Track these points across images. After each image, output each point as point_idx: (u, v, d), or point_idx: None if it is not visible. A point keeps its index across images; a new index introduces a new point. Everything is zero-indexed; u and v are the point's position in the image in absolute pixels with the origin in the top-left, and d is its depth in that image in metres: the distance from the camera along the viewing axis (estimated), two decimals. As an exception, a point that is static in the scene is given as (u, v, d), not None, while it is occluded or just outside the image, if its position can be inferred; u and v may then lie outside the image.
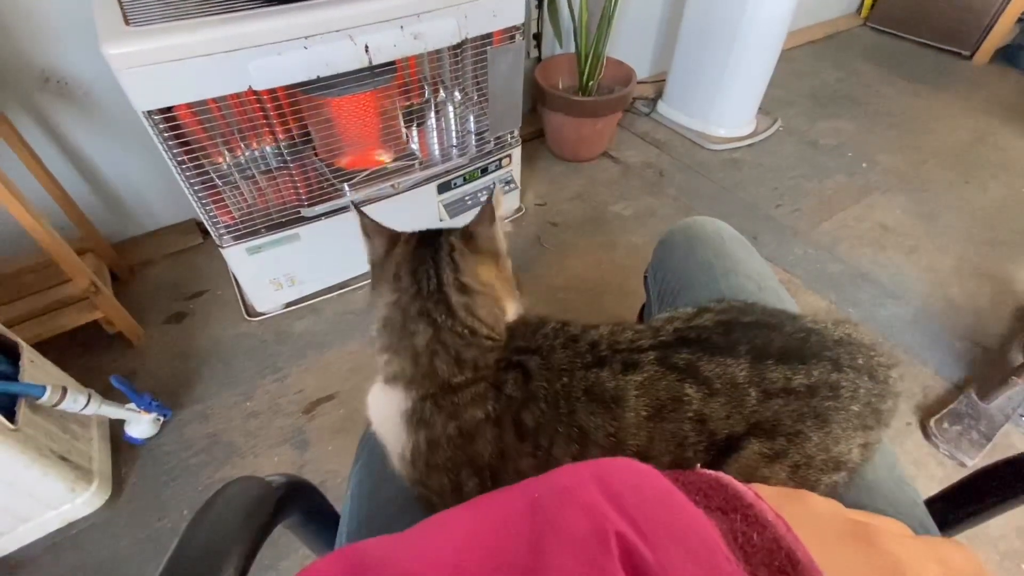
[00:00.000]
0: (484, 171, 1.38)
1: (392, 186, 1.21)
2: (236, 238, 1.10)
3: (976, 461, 1.04)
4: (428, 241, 0.46)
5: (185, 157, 0.94)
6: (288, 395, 1.14)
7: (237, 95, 0.92)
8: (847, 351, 0.39)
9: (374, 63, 0.97)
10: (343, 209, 1.19)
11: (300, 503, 0.43)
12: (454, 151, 1.32)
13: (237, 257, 1.13)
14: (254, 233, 1.12)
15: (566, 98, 1.64)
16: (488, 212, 0.47)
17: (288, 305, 1.31)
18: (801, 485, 0.36)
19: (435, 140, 1.30)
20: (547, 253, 1.47)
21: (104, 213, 1.33)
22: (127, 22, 0.82)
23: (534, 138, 1.85)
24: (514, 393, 0.40)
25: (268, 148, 1.08)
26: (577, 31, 1.59)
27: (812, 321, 0.42)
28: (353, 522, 0.47)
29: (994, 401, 1.09)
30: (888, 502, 0.43)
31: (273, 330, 1.26)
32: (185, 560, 0.31)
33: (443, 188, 1.31)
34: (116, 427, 1.05)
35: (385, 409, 0.43)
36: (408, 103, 1.21)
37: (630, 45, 1.98)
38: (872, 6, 2.70)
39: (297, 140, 1.09)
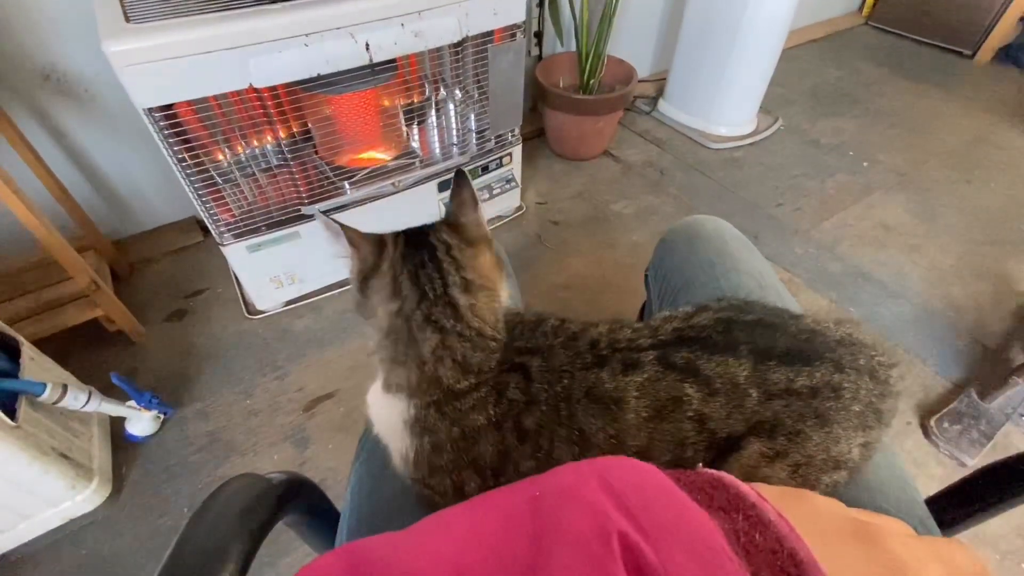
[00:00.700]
0: (485, 169, 1.38)
1: (392, 184, 1.21)
2: (236, 236, 1.10)
3: (976, 461, 1.03)
4: (418, 241, 0.44)
5: (186, 155, 0.94)
6: (288, 393, 1.14)
7: (238, 92, 0.91)
8: (849, 351, 0.39)
9: (375, 61, 0.97)
10: (344, 207, 1.19)
11: (300, 500, 0.43)
12: (455, 149, 1.32)
13: (237, 255, 1.13)
14: (254, 231, 1.12)
15: (567, 96, 1.64)
16: (470, 197, 0.46)
17: (288, 303, 1.31)
18: (802, 485, 0.36)
19: (436, 138, 1.30)
20: (548, 252, 1.47)
21: (104, 211, 1.33)
22: (128, 19, 0.82)
23: (535, 136, 1.85)
24: (515, 396, 0.39)
25: (269, 146, 1.08)
26: (578, 29, 1.59)
27: (814, 321, 0.42)
28: (353, 519, 0.47)
29: (994, 400, 1.09)
30: (889, 501, 0.43)
31: (273, 328, 1.26)
32: (186, 557, 0.31)
33: (444, 186, 1.31)
34: (117, 425, 1.05)
35: (387, 415, 0.42)
36: (409, 101, 1.21)
37: (631, 44, 1.97)
38: (874, 5, 2.69)
39: (298, 138, 1.09)
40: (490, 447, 0.39)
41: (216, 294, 1.34)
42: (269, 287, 1.24)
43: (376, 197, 1.21)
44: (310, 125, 1.10)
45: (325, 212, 0.42)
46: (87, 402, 0.91)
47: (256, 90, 0.91)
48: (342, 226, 0.42)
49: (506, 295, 0.46)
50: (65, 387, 0.87)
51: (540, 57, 1.78)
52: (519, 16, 1.12)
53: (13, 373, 0.86)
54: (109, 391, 0.97)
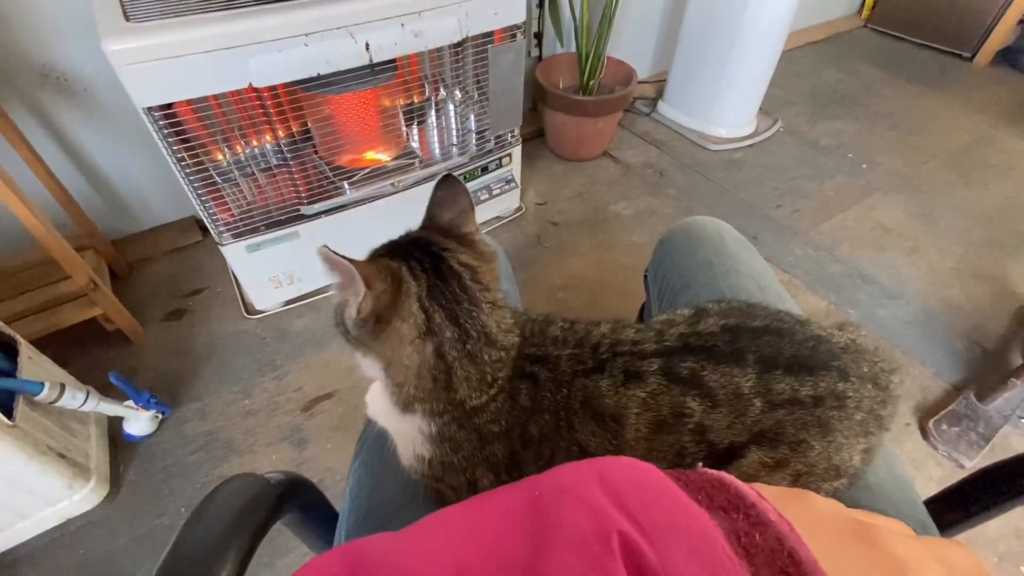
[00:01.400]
0: (484, 170, 1.38)
1: (392, 184, 1.21)
2: (236, 236, 1.10)
3: (974, 462, 1.04)
4: (439, 268, 0.39)
5: (185, 154, 0.94)
6: (287, 393, 1.14)
7: (237, 92, 0.91)
8: (853, 358, 0.39)
9: (375, 61, 0.97)
10: (343, 207, 1.18)
11: (299, 500, 0.43)
12: (454, 150, 1.32)
13: (236, 255, 1.13)
14: (254, 231, 1.11)
15: (567, 97, 1.64)
16: (468, 204, 0.43)
17: (287, 303, 1.30)
18: None
19: (435, 138, 1.30)
20: (547, 252, 1.47)
21: (103, 210, 1.33)
22: (127, 18, 0.82)
23: (534, 137, 1.85)
24: (525, 403, 0.39)
25: (268, 145, 1.08)
26: (578, 30, 1.59)
27: (819, 327, 0.42)
28: (352, 519, 0.47)
29: (993, 402, 1.09)
30: (888, 502, 0.43)
31: (272, 328, 1.26)
32: (183, 557, 0.31)
33: (443, 187, 1.31)
34: (114, 424, 1.05)
35: (402, 428, 0.41)
36: (408, 101, 1.21)
37: (631, 45, 1.97)
38: (873, 7, 2.70)
39: (297, 138, 1.09)
40: (501, 448, 0.39)
41: (215, 294, 1.34)
42: (268, 287, 1.24)
43: (376, 197, 1.21)
44: (310, 125, 1.10)
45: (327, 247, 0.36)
46: (85, 401, 0.91)
47: (256, 90, 0.91)
48: (355, 263, 0.35)
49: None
50: (63, 386, 0.87)
51: (540, 58, 1.78)
52: (519, 17, 1.12)
53: (11, 372, 0.86)
54: (107, 390, 0.97)
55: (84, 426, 0.99)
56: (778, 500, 0.21)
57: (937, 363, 1.23)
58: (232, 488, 0.36)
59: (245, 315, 1.28)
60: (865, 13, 2.74)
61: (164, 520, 0.95)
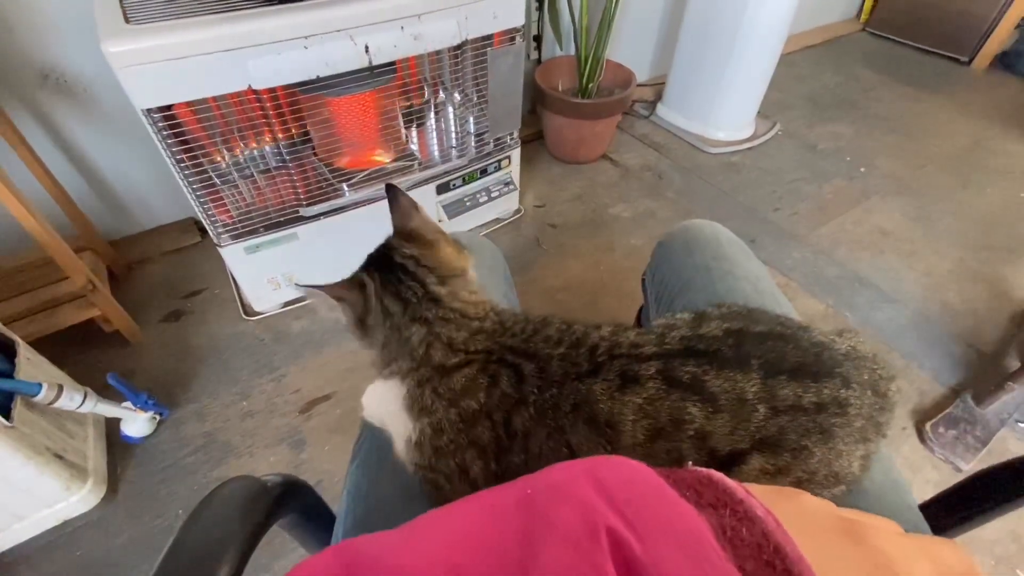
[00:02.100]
0: (483, 172, 1.38)
1: (391, 186, 1.21)
2: (234, 237, 1.10)
3: (971, 466, 1.04)
4: (390, 266, 0.47)
5: (184, 156, 0.94)
6: (285, 395, 1.14)
7: (237, 94, 0.92)
8: (854, 365, 0.39)
9: (374, 63, 0.97)
10: (342, 209, 1.19)
11: (296, 503, 0.43)
12: (453, 152, 1.32)
13: (235, 256, 1.13)
14: (252, 232, 1.11)
15: (566, 100, 1.64)
16: (408, 203, 0.49)
17: (286, 304, 1.30)
18: None
19: (434, 141, 1.30)
20: (546, 254, 1.47)
21: (102, 211, 1.33)
22: (127, 20, 0.82)
23: (533, 140, 1.85)
24: (507, 390, 0.39)
25: (267, 147, 1.08)
26: (577, 34, 1.60)
27: (820, 333, 0.41)
28: (349, 521, 0.47)
29: (990, 406, 1.09)
30: (882, 505, 0.43)
31: (270, 329, 1.26)
32: (180, 559, 0.31)
33: (442, 189, 1.32)
34: (112, 425, 1.05)
35: (386, 401, 0.44)
36: (408, 104, 1.21)
37: (630, 48, 1.98)
38: (871, 11, 2.71)
39: (296, 140, 1.09)
40: (486, 432, 0.39)
41: (213, 295, 1.34)
42: (266, 288, 1.24)
43: (374, 199, 1.21)
44: (309, 127, 1.11)
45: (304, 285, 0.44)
46: (83, 403, 0.91)
47: (255, 92, 0.92)
48: (323, 287, 0.44)
49: (470, 269, 0.49)
50: (61, 387, 0.87)
51: (539, 61, 1.78)
52: (518, 20, 1.12)
53: (9, 373, 0.86)
54: (105, 392, 0.97)
55: (82, 427, 0.98)
56: (767, 498, 0.22)
57: (934, 366, 1.23)
58: (229, 490, 0.36)
59: (243, 316, 1.28)
60: (864, 17, 2.75)
61: (161, 522, 0.95)
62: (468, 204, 1.39)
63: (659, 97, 2.02)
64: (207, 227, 1.07)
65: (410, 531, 0.21)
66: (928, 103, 2.18)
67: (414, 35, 0.98)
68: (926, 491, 0.52)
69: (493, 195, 1.44)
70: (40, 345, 0.97)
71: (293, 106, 1.02)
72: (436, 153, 1.32)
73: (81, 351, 1.17)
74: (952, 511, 0.51)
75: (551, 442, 0.37)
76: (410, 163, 1.26)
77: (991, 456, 1.05)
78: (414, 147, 1.30)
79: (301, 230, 1.16)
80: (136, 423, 1.03)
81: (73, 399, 0.89)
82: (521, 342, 0.42)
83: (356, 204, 1.20)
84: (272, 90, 0.95)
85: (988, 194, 1.73)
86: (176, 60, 0.82)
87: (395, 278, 0.45)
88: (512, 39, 1.16)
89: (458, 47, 1.08)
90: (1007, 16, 2.27)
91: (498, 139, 1.34)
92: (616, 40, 1.78)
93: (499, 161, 1.39)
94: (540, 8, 1.65)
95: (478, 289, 0.47)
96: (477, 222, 1.47)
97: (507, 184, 1.46)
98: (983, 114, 2.12)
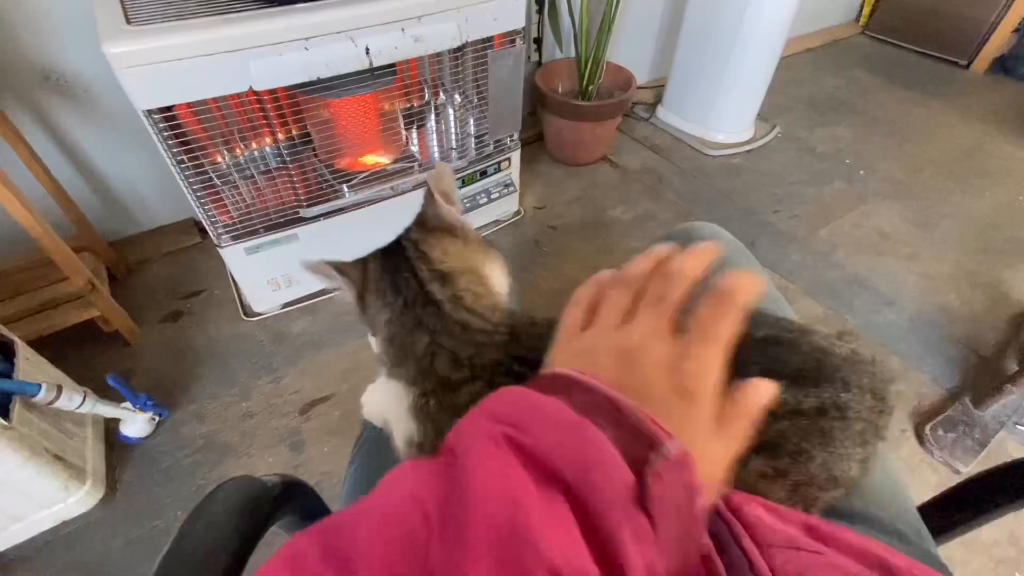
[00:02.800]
0: (483, 174, 1.38)
1: (391, 188, 1.22)
2: (234, 238, 1.10)
3: (970, 468, 1.04)
4: (392, 250, 0.45)
5: (184, 156, 0.94)
6: (284, 396, 1.14)
7: (237, 95, 0.92)
8: (854, 369, 0.38)
9: (375, 65, 0.97)
10: (342, 210, 1.19)
11: (295, 503, 0.43)
12: (454, 154, 1.32)
13: (235, 257, 1.13)
14: (252, 233, 1.12)
15: (566, 102, 1.65)
16: (428, 195, 0.47)
17: (285, 306, 1.30)
18: (801, 503, 0.36)
19: (435, 142, 1.30)
20: (545, 256, 1.47)
21: (102, 211, 1.33)
22: (128, 21, 0.82)
23: (533, 142, 1.86)
24: None
25: (268, 148, 1.08)
26: (577, 36, 1.60)
27: (822, 336, 0.41)
28: (348, 523, 0.47)
29: (989, 408, 1.09)
30: (881, 507, 0.43)
31: (270, 330, 1.26)
32: (179, 559, 0.31)
33: (442, 190, 1.32)
34: (111, 426, 1.05)
35: (390, 401, 0.43)
36: (408, 105, 1.21)
37: (630, 50, 1.98)
38: (871, 15, 2.72)
39: (297, 141, 1.09)
40: None
41: (213, 296, 1.34)
42: (266, 289, 1.24)
43: (374, 200, 1.21)
44: (309, 128, 1.11)
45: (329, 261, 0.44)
46: (82, 403, 0.90)
47: (256, 93, 0.92)
48: (326, 261, 0.43)
49: (498, 272, 0.46)
50: (60, 388, 0.87)
51: (539, 63, 1.79)
52: (519, 22, 1.13)
53: (8, 373, 0.86)
54: (104, 392, 0.97)
55: (81, 428, 0.98)
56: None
57: (933, 369, 1.23)
58: (229, 491, 0.36)
59: (243, 317, 1.28)
60: (863, 20, 2.76)
61: (160, 523, 0.95)
62: (468, 205, 1.39)
63: (659, 99, 2.03)
64: (207, 228, 1.07)
65: (377, 486, 0.25)
66: (927, 106, 2.19)
67: (415, 37, 0.98)
68: (925, 493, 0.52)
69: (493, 197, 1.44)
70: (39, 345, 0.97)
71: (294, 107, 1.02)
72: (436, 154, 1.32)
73: (80, 352, 1.17)
74: (951, 514, 0.51)
75: None
76: (410, 164, 1.26)
77: (990, 458, 1.05)
78: (414, 148, 1.30)
79: (301, 231, 1.17)
80: (135, 424, 1.03)
81: (72, 400, 0.89)
82: (528, 350, 0.41)
83: (356, 205, 1.20)
84: (273, 91, 0.96)
85: (987, 197, 1.73)
86: (177, 61, 0.82)
87: (394, 262, 0.44)
88: (512, 41, 1.16)
89: (458, 49, 1.08)
90: (1006, 20, 2.27)
91: (498, 141, 1.35)
92: (616, 42, 1.78)
93: (499, 163, 1.39)
94: (540, 11, 1.66)
95: (491, 292, 0.44)
96: (477, 223, 1.48)
97: (507, 186, 1.46)
98: (982, 117, 2.12)
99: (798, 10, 1.63)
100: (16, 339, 0.91)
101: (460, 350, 0.40)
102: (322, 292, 1.33)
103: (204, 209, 1.03)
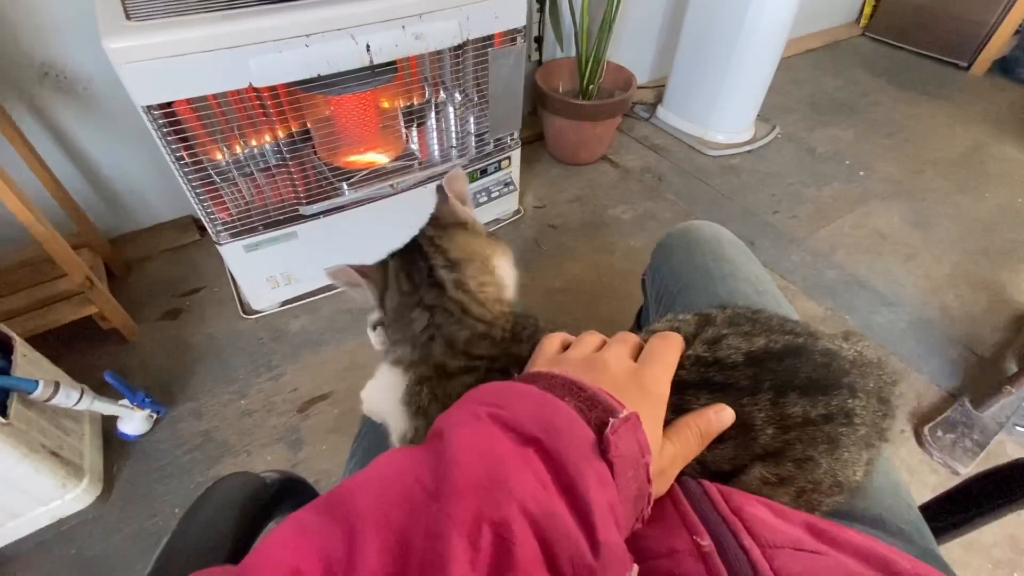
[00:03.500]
0: (483, 172, 1.38)
1: (391, 186, 1.21)
2: (233, 235, 1.10)
3: (969, 469, 1.04)
4: (409, 248, 0.47)
5: (184, 153, 0.93)
6: (283, 394, 1.13)
7: (237, 92, 0.91)
8: (860, 372, 0.38)
9: (375, 62, 0.97)
10: (342, 208, 1.18)
11: (294, 499, 0.43)
12: (454, 152, 1.32)
13: (234, 254, 1.13)
14: (252, 230, 1.11)
15: (566, 101, 1.65)
16: (442, 194, 0.49)
17: (284, 303, 1.30)
18: (805, 507, 0.35)
19: (435, 141, 1.30)
20: (545, 255, 1.47)
21: (101, 208, 1.32)
22: (128, 16, 0.82)
23: (534, 141, 1.85)
24: None
25: (267, 145, 1.08)
26: (578, 35, 1.60)
27: (829, 339, 0.40)
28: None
29: (988, 410, 1.09)
30: (883, 507, 0.43)
31: (269, 328, 1.26)
32: (177, 555, 0.31)
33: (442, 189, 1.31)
34: (109, 423, 1.04)
35: (387, 392, 0.43)
36: (408, 103, 1.21)
37: (630, 50, 1.98)
38: (871, 16, 2.72)
39: (296, 138, 1.09)
40: None
41: (212, 293, 1.33)
42: (265, 287, 1.24)
43: (374, 198, 1.21)
44: (309, 125, 1.10)
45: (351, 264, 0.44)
46: (79, 400, 0.90)
47: (256, 90, 0.91)
48: (350, 266, 0.44)
49: (506, 263, 0.47)
50: (57, 385, 0.87)
51: (540, 62, 1.79)
52: (520, 21, 1.13)
53: (5, 370, 0.85)
54: (102, 389, 0.96)
55: (78, 425, 0.98)
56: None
57: (933, 370, 1.23)
58: (227, 486, 0.36)
59: (242, 315, 1.28)
60: (863, 22, 2.76)
61: (157, 520, 0.95)
62: (469, 205, 1.39)
63: (659, 99, 2.03)
64: (206, 225, 1.06)
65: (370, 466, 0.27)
66: (927, 108, 2.19)
67: (415, 34, 0.98)
68: (924, 494, 0.52)
69: (493, 195, 1.44)
70: (37, 342, 0.97)
71: (294, 104, 1.01)
72: (436, 153, 1.32)
73: (78, 348, 1.17)
74: (950, 514, 0.51)
75: None
76: (410, 163, 1.26)
77: (989, 459, 1.05)
78: (414, 147, 1.30)
79: (301, 229, 1.16)
80: (133, 421, 1.02)
81: (70, 396, 0.89)
82: (527, 350, 0.40)
83: (356, 203, 1.19)
84: (273, 88, 0.95)
85: (986, 199, 1.73)
86: (177, 57, 0.82)
87: (412, 257, 0.45)
88: (513, 40, 1.16)
89: (459, 47, 1.08)
90: (1006, 22, 2.28)
91: (498, 139, 1.34)
92: (617, 42, 1.78)
93: (499, 161, 1.39)
94: (541, 9, 1.66)
95: (496, 284, 0.44)
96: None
97: (507, 184, 1.46)
98: (982, 119, 2.12)
99: (798, 11, 1.63)
100: (14, 335, 0.91)
101: (457, 334, 0.41)
102: (321, 290, 1.32)
103: (203, 206, 1.02)
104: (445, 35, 1.02)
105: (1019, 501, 0.47)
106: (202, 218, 1.05)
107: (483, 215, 1.48)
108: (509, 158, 1.41)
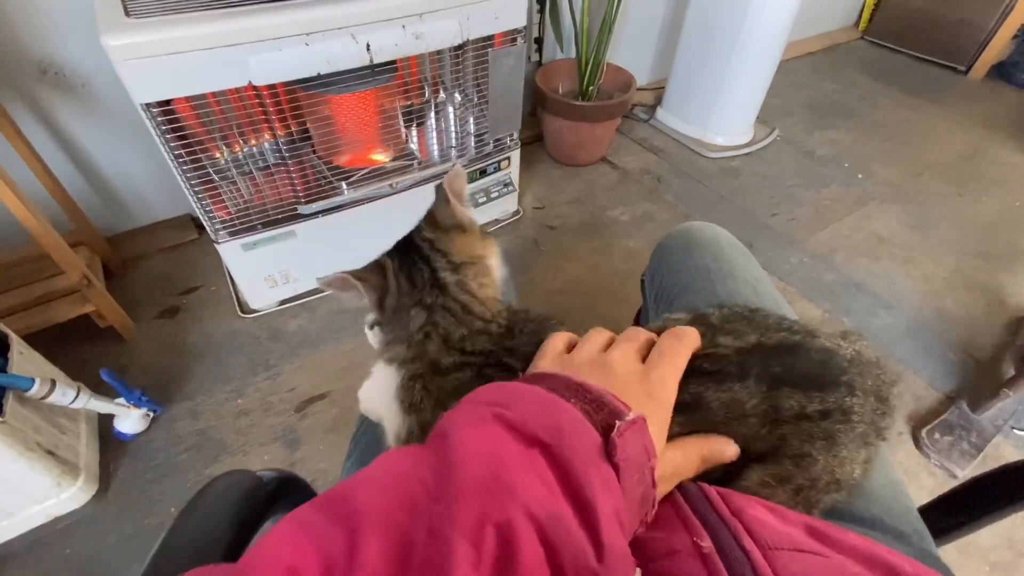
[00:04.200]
0: (483, 173, 1.38)
1: (390, 186, 1.21)
2: (232, 234, 1.10)
3: (967, 472, 1.04)
4: (406, 250, 0.46)
5: (182, 151, 0.93)
6: (280, 393, 1.13)
7: (237, 90, 0.91)
8: (859, 371, 0.38)
9: (375, 62, 0.97)
10: (340, 207, 1.18)
11: (291, 498, 0.43)
12: (453, 152, 1.32)
13: (232, 253, 1.13)
14: (250, 229, 1.11)
15: (566, 103, 1.65)
16: (442, 195, 0.49)
17: (282, 303, 1.30)
18: (803, 506, 0.35)
19: (434, 141, 1.30)
20: (544, 256, 1.47)
21: (99, 206, 1.32)
22: (128, 13, 0.81)
23: (533, 142, 1.85)
24: None
25: (266, 144, 1.08)
26: (578, 36, 1.60)
27: (827, 337, 0.40)
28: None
29: (985, 412, 1.09)
30: (882, 508, 0.43)
31: (266, 327, 1.26)
32: (172, 553, 0.30)
33: (441, 189, 1.31)
34: (105, 422, 1.04)
35: (382, 390, 0.43)
36: (408, 103, 1.21)
37: (630, 51, 1.99)
38: (870, 20, 2.73)
39: (296, 137, 1.09)
40: None
41: (209, 292, 1.33)
42: (263, 286, 1.23)
43: (373, 198, 1.21)
44: (308, 124, 1.10)
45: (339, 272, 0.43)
46: (75, 398, 0.90)
47: (255, 88, 0.91)
48: (345, 273, 0.43)
49: (494, 260, 0.48)
50: (53, 383, 0.86)
51: (540, 63, 1.79)
52: (520, 21, 1.13)
53: (2, 367, 0.85)
54: (98, 388, 0.96)
55: (74, 423, 0.98)
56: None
57: (930, 373, 1.23)
58: (224, 484, 0.35)
59: (239, 314, 1.27)
60: (862, 25, 2.77)
61: (153, 519, 0.94)
62: (467, 204, 1.39)
63: (659, 101, 2.03)
64: (204, 224, 1.06)
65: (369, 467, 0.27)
66: (925, 111, 2.20)
67: (416, 34, 0.98)
68: (921, 497, 0.52)
69: (492, 196, 1.44)
70: (34, 340, 0.96)
71: (293, 103, 1.01)
72: (436, 153, 1.32)
73: (75, 347, 1.16)
74: (947, 517, 0.51)
75: None
76: (409, 162, 1.26)
77: (986, 462, 1.06)
78: (414, 146, 1.30)
79: (299, 228, 1.16)
80: (129, 420, 1.02)
81: (66, 395, 0.88)
82: (523, 343, 0.41)
83: (355, 203, 1.19)
84: (272, 87, 0.95)
85: (984, 202, 1.74)
86: (176, 55, 0.82)
87: (411, 259, 0.45)
88: (513, 40, 1.16)
89: (459, 47, 1.08)
90: (1005, 26, 2.29)
91: (498, 140, 1.34)
92: (616, 43, 1.78)
93: (499, 162, 1.39)
94: (541, 10, 1.66)
95: (493, 283, 0.46)
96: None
97: (506, 185, 1.46)
98: (980, 123, 2.13)
99: (798, 14, 1.63)
100: (10, 333, 0.90)
101: (453, 330, 0.41)
102: (319, 290, 1.32)
103: (201, 205, 1.02)
104: (445, 35, 1.02)
105: (1016, 504, 0.47)
106: (200, 217, 1.05)
107: (482, 215, 1.48)
108: (508, 159, 1.41)
